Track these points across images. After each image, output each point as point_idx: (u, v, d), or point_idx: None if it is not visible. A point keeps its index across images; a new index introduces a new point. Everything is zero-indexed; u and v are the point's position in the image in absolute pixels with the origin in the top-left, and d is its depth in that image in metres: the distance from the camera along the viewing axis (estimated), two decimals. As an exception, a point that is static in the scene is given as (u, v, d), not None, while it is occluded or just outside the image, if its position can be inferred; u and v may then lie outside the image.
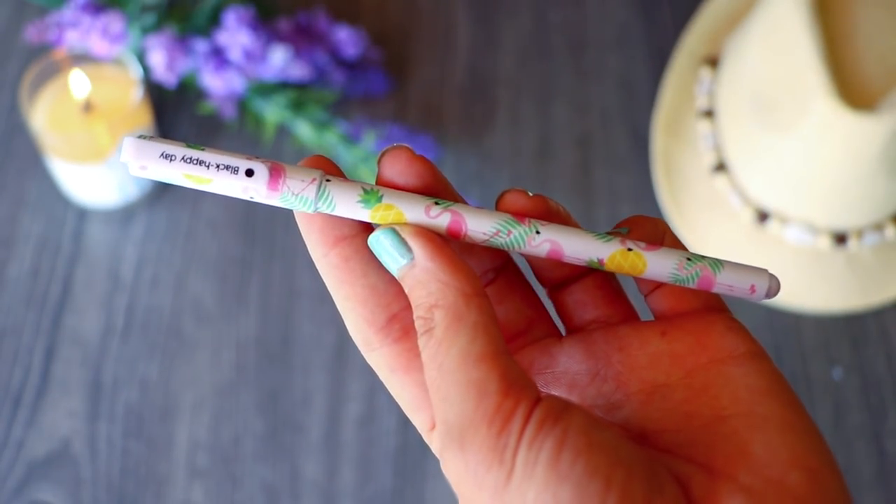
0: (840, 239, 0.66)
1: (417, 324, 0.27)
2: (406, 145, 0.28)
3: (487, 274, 0.30)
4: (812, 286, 0.68)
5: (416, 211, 0.27)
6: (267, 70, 0.69)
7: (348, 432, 0.63)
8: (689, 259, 0.28)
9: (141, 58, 0.69)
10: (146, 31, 0.69)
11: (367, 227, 0.28)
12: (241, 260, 0.68)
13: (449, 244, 0.27)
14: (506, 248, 0.28)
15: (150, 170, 0.27)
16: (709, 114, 0.71)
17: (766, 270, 0.29)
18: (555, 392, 0.29)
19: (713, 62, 0.73)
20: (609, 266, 0.28)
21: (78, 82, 0.66)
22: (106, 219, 0.69)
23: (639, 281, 0.30)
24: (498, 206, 0.29)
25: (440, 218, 0.27)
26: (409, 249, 0.27)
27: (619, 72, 0.77)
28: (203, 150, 0.27)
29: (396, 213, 0.27)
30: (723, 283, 0.28)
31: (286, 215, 0.69)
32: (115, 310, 0.66)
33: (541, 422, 0.24)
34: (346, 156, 0.70)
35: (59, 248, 0.68)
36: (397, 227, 0.27)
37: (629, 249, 0.28)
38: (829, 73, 0.59)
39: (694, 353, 0.28)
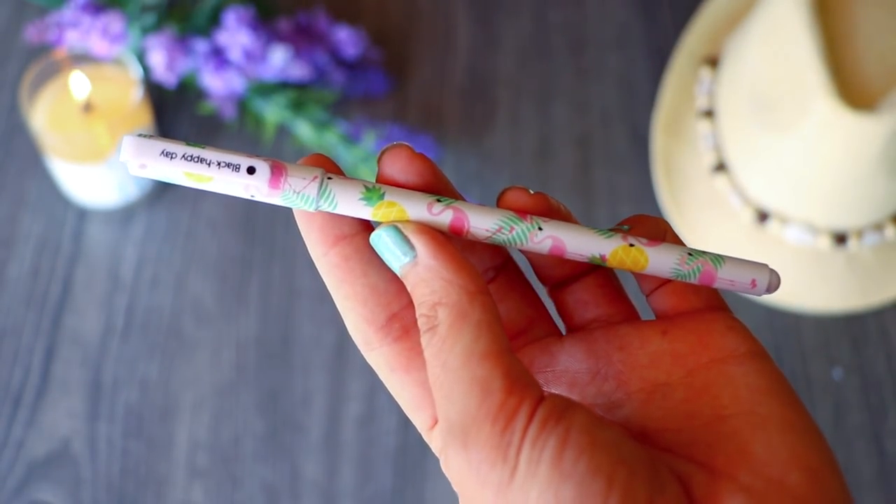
0: (840, 239, 0.66)
1: (420, 322, 0.27)
2: (406, 143, 0.28)
3: (488, 272, 0.30)
4: (812, 286, 0.68)
5: (419, 208, 0.27)
6: (267, 70, 0.69)
7: (348, 432, 0.63)
8: (690, 254, 0.28)
9: (141, 58, 0.69)
10: (146, 31, 0.69)
11: (367, 226, 0.28)
12: (241, 260, 0.68)
13: (452, 241, 0.27)
14: (508, 245, 0.28)
15: (150, 168, 0.27)
16: (709, 114, 0.71)
17: (766, 265, 0.29)
18: (555, 391, 0.29)
19: (713, 62, 0.73)
20: (611, 262, 0.28)
21: (78, 83, 0.66)
22: (106, 219, 0.69)
23: (641, 280, 0.30)
24: (499, 204, 0.29)
25: (443, 215, 0.27)
26: (411, 247, 0.27)
27: (619, 72, 0.77)
28: (204, 148, 0.27)
29: (399, 210, 0.27)
30: (724, 278, 0.28)
31: (286, 215, 0.69)
32: (115, 310, 0.66)
33: (544, 420, 0.24)
34: (346, 156, 0.70)
35: (59, 248, 0.68)
36: (400, 225, 0.27)
37: (631, 245, 0.28)
38: (829, 73, 0.59)
39: (695, 353, 0.28)
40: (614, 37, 0.79)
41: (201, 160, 0.27)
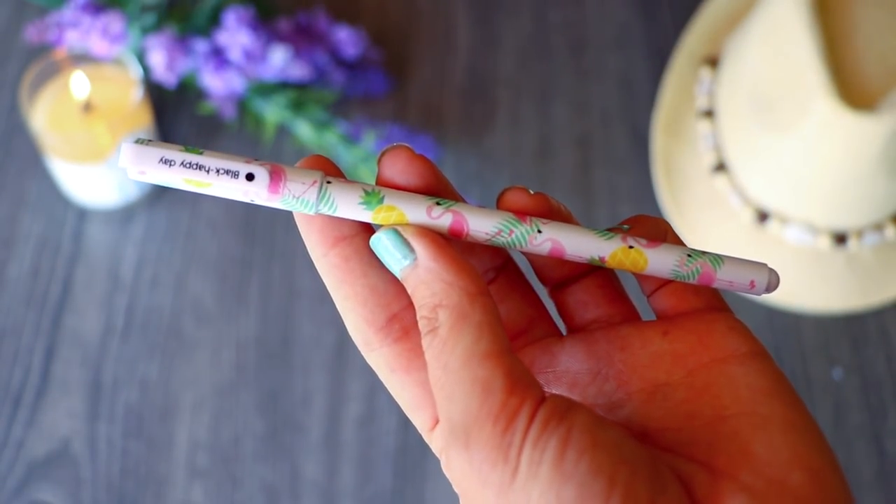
0: (840, 239, 0.66)
1: (421, 324, 0.27)
2: (406, 145, 0.28)
3: (488, 273, 0.30)
4: (812, 286, 0.68)
5: (418, 211, 0.27)
6: (267, 70, 0.69)
7: (348, 432, 0.63)
8: (689, 255, 0.28)
9: (141, 58, 0.69)
10: (146, 31, 0.69)
11: (367, 227, 0.28)
12: (241, 260, 0.68)
13: (451, 244, 0.27)
14: (507, 247, 0.28)
15: (149, 174, 0.27)
16: (709, 114, 0.71)
17: (765, 265, 0.29)
18: (556, 391, 0.29)
19: (713, 62, 0.73)
20: (610, 263, 0.28)
21: (78, 83, 0.66)
22: (106, 219, 0.69)
23: (642, 281, 0.30)
24: (499, 204, 0.29)
25: (442, 218, 0.27)
26: (411, 250, 0.27)
27: (619, 72, 0.77)
28: (201, 153, 0.27)
29: (398, 214, 0.27)
30: (723, 279, 0.28)
31: (286, 215, 0.69)
32: (115, 310, 0.66)
33: (545, 420, 0.24)
34: (346, 156, 0.70)
35: (59, 248, 0.68)
36: (399, 228, 0.27)
37: (630, 247, 0.28)
38: (829, 73, 0.59)
39: (696, 353, 0.28)
40: (614, 37, 0.79)
41: (200, 167, 0.27)
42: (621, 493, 0.23)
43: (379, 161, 0.28)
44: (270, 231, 0.69)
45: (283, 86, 0.72)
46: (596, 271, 0.31)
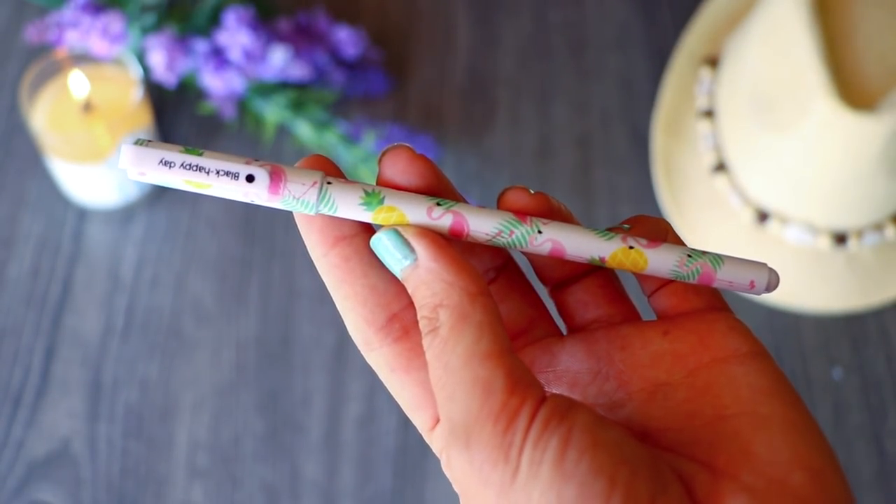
0: (840, 239, 0.66)
1: (422, 324, 0.27)
2: (406, 144, 0.28)
3: (488, 273, 0.30)
4: (812, 286, 0.68)
5: (418, 212, 0.27)
6: (267, 70, 0.69)
7: (348, 432, 0.63)
8: (689, 256, 0.28)
9: (141, 58, 0.69)
10: (146, 31, 0.69)
11: (367, 227, 0.28)
12: (241, 260, 0.68)
13: (452, 244, 0.27)
14: (508, 248, 0.28)
15: (149, 176, 0.27)
16: (709, 114, 0.71)
17: (765, 264, 0.29)
18: (556, 391, 0.29)
19: (713, 62, 0.73)
20: (610, 263, 0.28)
21: (78, 82, 0.66)
22: (106, 219, 0.69)
23: (642, 281, 0.30)
24: (499, 204, 0.29)
25: (442, 219, 0.27)
26: (411, 250, 0.27)
27: (619, 72, 0.77)
28: (201, 154, 0.27)
29: (399, 214, 0.27)
30: (723, 279, 0.29)
31: (286, 215, 0.69)
32: (115, 310, 0.66)
33: (546, 420, 0.24)
34: (346, 156, 0.70)
35: (59, 248, 0.68)
36: (400, 228, 0.27)
37: (630, 247, 0.28)
38: (829, 73, 0.59)
39: (696, 353, 0.28)
40: (614, 37, 0.79)
41: (200, 168, 0.27)
42: (622, 493, 0.23)
43: (379, 161, 0.28)
44: (270, 231, 0.69)
45: (283, 86, 0.72)
46: (596, 271, 0.31)
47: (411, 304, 0.28)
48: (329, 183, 0.27)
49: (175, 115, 0.73)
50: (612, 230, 0.29)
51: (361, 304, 0.28)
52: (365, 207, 0.27)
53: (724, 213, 0.69)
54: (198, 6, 0.72)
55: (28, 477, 0.61)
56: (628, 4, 0.80)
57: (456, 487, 0.26)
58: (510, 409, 0.24)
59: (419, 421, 0.29)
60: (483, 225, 0.28)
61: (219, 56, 0.69)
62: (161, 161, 0.26)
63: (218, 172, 0.27)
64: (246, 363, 0.65)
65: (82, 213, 0.69)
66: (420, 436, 0.31)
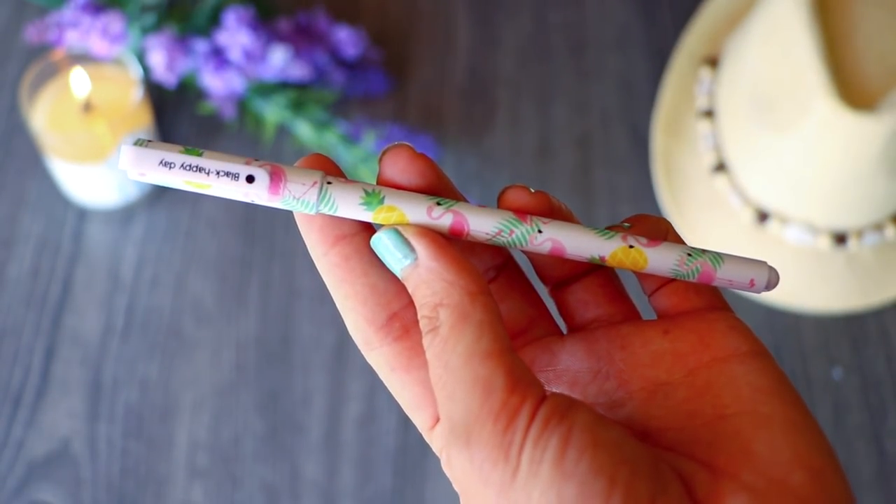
0: (840, 239, 0.66)
1: (422, 323, 0.27)
2: (407, 144, 0.28)
3: (488, 272, 0.30)
4: (812, 286, 0.68)
5: (419, 212, 0.27)
6: (267, 70, 0.69)
7: (348, 432, 0.63)
8: (689, 255, 0.28)
9: (141, 58, 0.69)
10: (146, 31, 0.69)
11: (367, 226, 0.28)
12: (241, 260, 0.68)
13: (452, 243, 0.27)
14: (508, 247, 0.28)
15: (149, 176, 0.27)
16: (709, 114, 0.71)
17: (764, 263, 0.29)
18: (556, 390, 0.29)
19: (713, 62, 0.73)
20: (610, 262, 0.28)
21: (78, 81, 0.66)
22: (106, 219, 0.69)
23: (642, 280, 0.30)
24: (500, 203, 0.29)
25: (442, 218, 0.27)
26: (412, 249, 0.27)
27: (619, 72, 0.77)
28: (201, 155, 0.27)
29: (399, 214, 0.27)
30: (723, 278, 0.29)
31: (286, 214, 0.69)
32: (115, 310, 0.66)
33: (546, 419, 0.24)
34: (346, 156, 0.70)
35: (59, 248, 0.68)
36: (400, 227, 0.27)
37: (630, 246, 0.28)
38: (829, 73, 0.59)
39: (696, 352, 0.28)
40: (614, 37, 0.79)
41: (200, 169, 0.27)
42: (622, 493, 0.23)
43: (380, 160, 0.28)
44: (270, 231, 0.69)
45: (283, 86, 0.72)
46: (597, 270, 0.31)
47: (411, 303, 0.28)
48: (329, 183, 0.27)
49: (175, 115, 0.73)
50: (612, 229, 0.29)
51: (361, 304, 0.28)
52: (365, 207, 0.27)
53: (724, 213, 0.69)
54: (198, 6, 0.72)
55: (28, 477, 0.61)
56: (628, 5, 0.80)
57: (456, 487, 0.26)
58: (510, 407, 0.24)
59: (419, 420, 0.29)
60: (483, 224, 0.28)
61: (219, 56, 0.69)
62: (161, 162, 0.26)
63: (218, 173, 0.27)
64: (246, 363, 0.65)
65: (82, 213, 0.69)
66: (420, 436, 0.31)
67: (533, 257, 0.30)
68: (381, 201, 0.27)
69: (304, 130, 0.71)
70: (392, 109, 0.75)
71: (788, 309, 0.68)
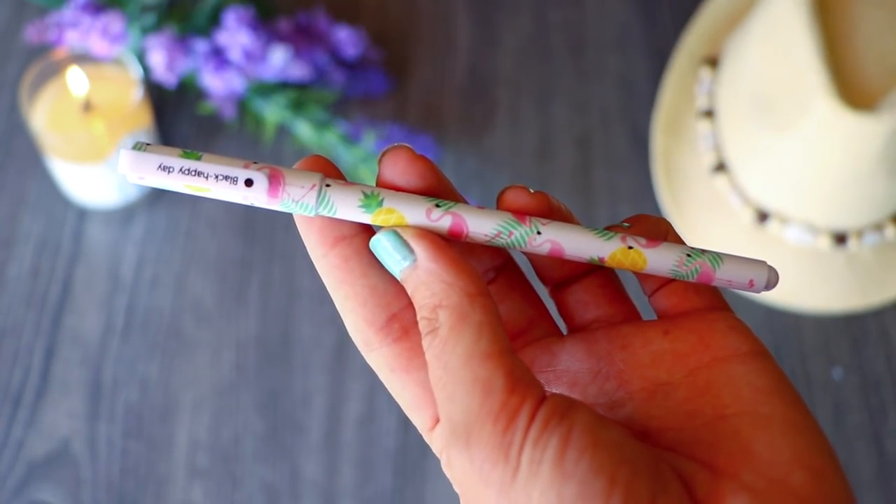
0: (840, 239, 0.66)
1: (421, 324, 0.27)
2: (406, 145, 0.28)
3: (488, 273, 0.30)
4: (812, 286, 0.68)
5: (417, 214, 0.27)
6: (267, 70, 0.69)
7: (348, 432, 0.63)
8: (689, 255, 0.28)
9: (141, 58, 0.69)
10: (146, 31, 0.69)
11: (367, 227, 0.28)
12: (241, 260, 0.68)
13: (451, 244, 0.27)
14: (507, 248, 0.28)
15: (148, 180, 0.27)
16: (709, 114, 0.71)
17: (764, 262, 0.29)
18: (556, 390, 0.29)
19: (713, 62, 0.73)
20: (609, 263, 0.28)
21: (76, 80, 0.66)
22: (106, 219, 0.69)
23: (642, 281, 0.30)
24: (499, 203, 0.29)
25: (441, 221, 0.27)
26: (411, 251, 0.27)
27: (619, 72, 0.77)
28: (200, 158, 0.27)
29: (398, 216, 0.27)
30: (722, 278, 0.29)
31: (286, 215, 0.69)
32: (115, 310, 0.66)
33: (546, 419, 0.24)
34: (346, 156, 0.70)
35: (59, 248, 0.68)
36: (399, 229, 0.27)
37: (630, 247, 0.28)
38: (829, 73, 0.59)
39: (697, 352, 0.28)
40: (614, 37, 0.79)
41: (199, 173, 0.27)
42: (622, 493, 0.23)
43: (379, 161, 0.28)
44: (270, 231, 0.69)
45: (283, 86, 0.72)
46: (596, 271, 0.31)
47: (411, 304, 0.28)
48: (328, 185, 0.27)
49: (175, 115, 0.73)
50: (611, 229, 0.29)
51: (361, 305, 0.28)
52: (364, 209, 0.27)
53: (724, 213, 0.69)
54: (198, 6, 0.72)
55: (28, 477, 0.61)
56: (628, 5, 0.80)
57: (456, 487, 0.26)
58: (510, 408, 0.24)
59: (419, 421, 0.29)
60: (482, 226, 0.28)
61: (219, 56, 0.69)
62: (159, 166, 0.27)
63: (216, 177, 0.27)
64: (246, 363, 0.65)
65: (82, 213, 0.69)
66: (420, 436, 0.31)
67: (533, 258, 0.30)
68: (380, 203, 0.27)
69: (304, 130, 0.71)
70: (392, 109, 0.75)
71: (788, 309, 0.68)
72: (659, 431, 0.27)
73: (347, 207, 0.27)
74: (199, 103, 0.72)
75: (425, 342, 0.26)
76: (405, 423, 0.63)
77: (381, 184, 0.28)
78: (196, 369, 0.64)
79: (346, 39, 0.72)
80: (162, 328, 0.66)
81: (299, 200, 0.27)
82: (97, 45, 0.65)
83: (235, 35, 0.67)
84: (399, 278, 0.27)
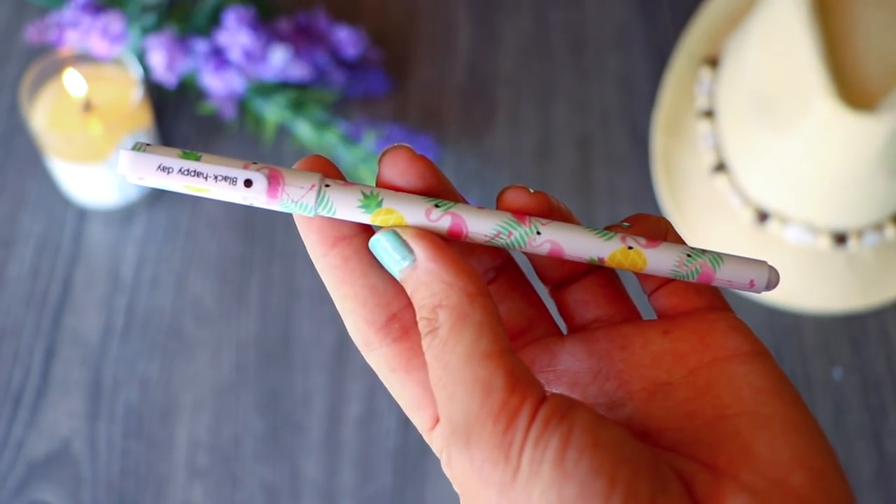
0: (840, 239, 0.66)
1: (421, 324, 0.27)
2: (406, 145, 0.28)
3: (488, 273, 0.30)
4: (812, 286, 0.68)
5: (417, 214, 0.27)
6: (267, 70, 0.69)
7: (348, 432, 0.63)
8: (689, 255, 0.28)
9: (141, 58, 0.69)
10: (146, 31, 0.69)
11: (367, 227, 0.28)
12: (241, 260, 0.68)
13: (450, 244, 0.27)
14: (507, 248, 0.28)
15: (148, 181, 0.27)
16: (709, 114, 0.71)
17: (764, 262, 0.29)
18: (556, 390, 0.29)
19: (713, 62, 0.73)
20: (609, 263, 0.28)
21: (73, 81, 0.66)
22: (106, 219, 0.69)
23: (642, 280, 0.30)
24: (499, 203, 0.29)
25: (441, 221, 0.27)
26: (410, 251, 0.27)
27: (619, 72, 0.77)
28: (199, 159, 0.27)
29: (397, 216, 0.27)
30: (722, 278, 0.29)
31: (286, 215, 0.69)
32: (115, 310, 0.66)
33: (546, 419, 0.24)
34: (346, 156, 0.70)
35: (59, 248, 0.68)
36: (398, 229, 0.27)
37: (630, 247, 0.28)
38: (829, 73, 0.59)
39: (697, 352, 0.28)
40: (614, 37, 0.79)
41: (198, 174, 0.27)
42: (622, 493, 0.23)
43: (379, 161, 0.28)
44: (270, 231, 0.69)
45: (283, 86, 0.72)
46: (596, 270, 0.31)
47: (411, 304, 0.28)
48: (327, 186, 0.27)
49: (175, 115, 0.73)
50: (611, 229, 0.29)
51: (361, 305, 0.28)
52: (363, 210, 0.27)
53: (724, 213, 0.69)
54: (198, 6, 0.72)
55: (28, 477, 0.61)
56: (628, 4, 0.80)
57: (456, 487, 0.26)
58: (510, 408, 0.24)
59: (419, 421, 0.29)
60: (481, 226, 0.28)
61: (219, 56, 0.69)
62: (159, 167, 0.27)
63: (216, 177, 0.27)
64: (246, 363, 0.65)
65: (82, 213, 0.69)
66: (420, 436, 0.31)
67: (533, 258, 0.30)
68: (380, 204, 0.27)
69: (304, 130, 0.71)
70: (392, 109, 0.75)
71: (788, 309, 0.68)
72: (659, 431, 0.27)
73: (347, 207, 0.27)
74: (199, 103, 0.72)
75: (425, 342, 0.26)
76: (405, 423, 0.63)
77: (380, 184, 0.28)
78: (196, 369, 0.64)
79: (346, 39, 0.72)
80: (162, 328, 0.66)
81: (298, 201, 0.27)
82: (97, 45, 0.65)
83: (235, 35, 0.67)
84: (398, 278, 0.27)
